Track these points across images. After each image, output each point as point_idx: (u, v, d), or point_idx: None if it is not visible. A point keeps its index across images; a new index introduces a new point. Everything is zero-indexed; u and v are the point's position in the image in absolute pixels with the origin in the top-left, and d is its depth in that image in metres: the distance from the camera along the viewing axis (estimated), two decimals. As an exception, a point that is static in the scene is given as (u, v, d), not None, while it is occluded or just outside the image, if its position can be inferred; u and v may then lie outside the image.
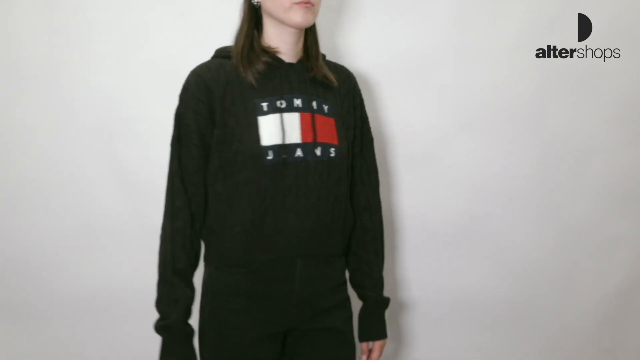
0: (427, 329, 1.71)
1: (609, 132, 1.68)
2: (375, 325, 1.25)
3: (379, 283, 1.25)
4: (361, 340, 1.25)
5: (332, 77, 1.18)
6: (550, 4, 1.62)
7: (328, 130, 1.13)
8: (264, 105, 1.11)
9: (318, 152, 1.11)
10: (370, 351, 1.25)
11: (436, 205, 1.68)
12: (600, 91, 1.66)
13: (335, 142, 1.13)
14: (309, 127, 1.11)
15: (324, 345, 1.17)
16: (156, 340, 1.10)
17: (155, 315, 1.10)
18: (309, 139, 1.10)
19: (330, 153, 1.12)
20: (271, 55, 1.14)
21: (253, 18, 1.16)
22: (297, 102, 1.12)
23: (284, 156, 1.08)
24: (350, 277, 1.27)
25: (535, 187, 1.69)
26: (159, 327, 1.09)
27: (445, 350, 1.74)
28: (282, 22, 1.11)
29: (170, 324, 1.08)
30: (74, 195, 1.67)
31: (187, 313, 1.11)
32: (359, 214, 1.24)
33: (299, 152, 1.09)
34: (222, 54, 1.19)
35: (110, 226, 1.67)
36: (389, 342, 1.72)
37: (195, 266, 1.14)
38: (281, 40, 1.15)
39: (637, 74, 1.66)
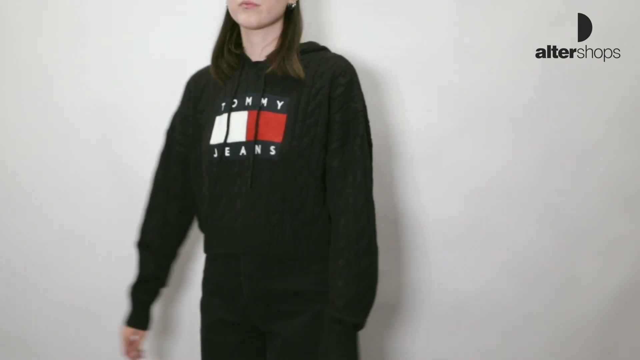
0: (428, 329, 1.71)
1: (609, 132, 1.68)
2: (327, 349, 1.03)
3: (342, 298, 1.03)
4: None
5: (299, 71, 1.12)
6: (550, 4, 1.62)
7: (274, 127, 1.09)
8: (222, 105, 1.16)
9: (258, 150, 1.09)
10: None
11: (436, 205, 1.68)
12: (600, 91, 1.66)
13: (278, 139, 1.08)
14: (252, 125, 1.11)
15: (270, 350, 1.13)
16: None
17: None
18: (251, 137, 1.10)
19: (270, 151, 1.08)
20: (239, 55, 1.19)
21: (230, 21, 1.20)
22: (249, 100, 1.13)
23: (227, 155, 1.11)
24: None
25: (536, 187, 1.69)
26: None
27: (446, 350, 1.73)
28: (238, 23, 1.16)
29: None
30: (71, 196, 1.67)
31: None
32: (333, 217, 1.10)
33: (242, 150, 1.10)
34: None
35: (108, 226, 1.67)
36: (390, 342, 1.73)
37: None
38: (248, 40, 1.19)
39: (637, 74, 1.66)
